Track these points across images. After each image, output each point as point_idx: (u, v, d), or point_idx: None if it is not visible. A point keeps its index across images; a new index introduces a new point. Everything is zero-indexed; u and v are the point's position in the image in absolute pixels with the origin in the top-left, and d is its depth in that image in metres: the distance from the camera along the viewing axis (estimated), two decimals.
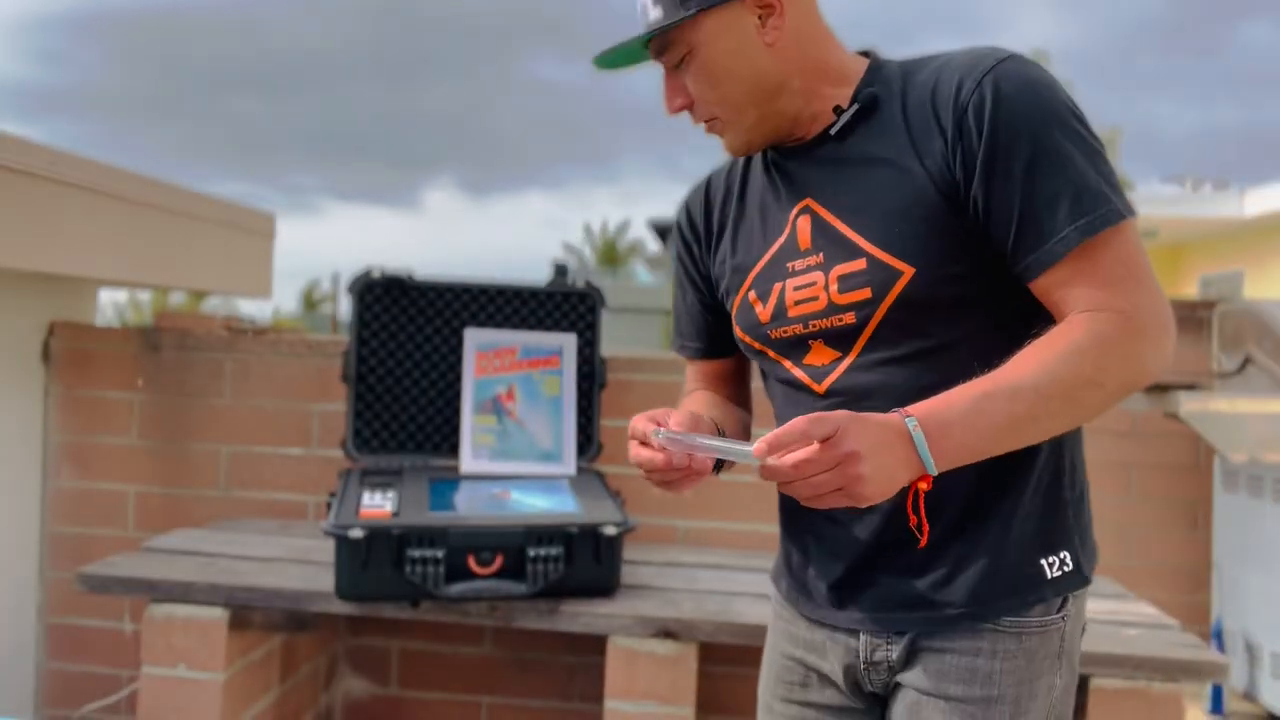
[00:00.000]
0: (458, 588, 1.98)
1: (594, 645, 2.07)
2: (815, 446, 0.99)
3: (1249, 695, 3.35)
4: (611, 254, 38.64)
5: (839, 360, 1.20)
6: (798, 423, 0.99)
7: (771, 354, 1.28)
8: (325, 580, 2.05)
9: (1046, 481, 1.19)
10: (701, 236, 1.40)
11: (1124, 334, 1.06)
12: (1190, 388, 3.02)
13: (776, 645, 1.38)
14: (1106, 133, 18.18)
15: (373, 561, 1.97)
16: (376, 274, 2.45)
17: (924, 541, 1.14)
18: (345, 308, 19.42)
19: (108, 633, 2.75)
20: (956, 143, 1.11)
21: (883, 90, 1.18)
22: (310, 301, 39.67)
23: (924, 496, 1.10)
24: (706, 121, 1.24)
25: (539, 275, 2.56)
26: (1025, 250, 1.09)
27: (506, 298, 2.50)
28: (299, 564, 2.21)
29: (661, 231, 34.58)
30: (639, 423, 1.15)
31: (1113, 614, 2.09)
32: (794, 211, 1.24)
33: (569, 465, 2.37)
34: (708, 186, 1.40)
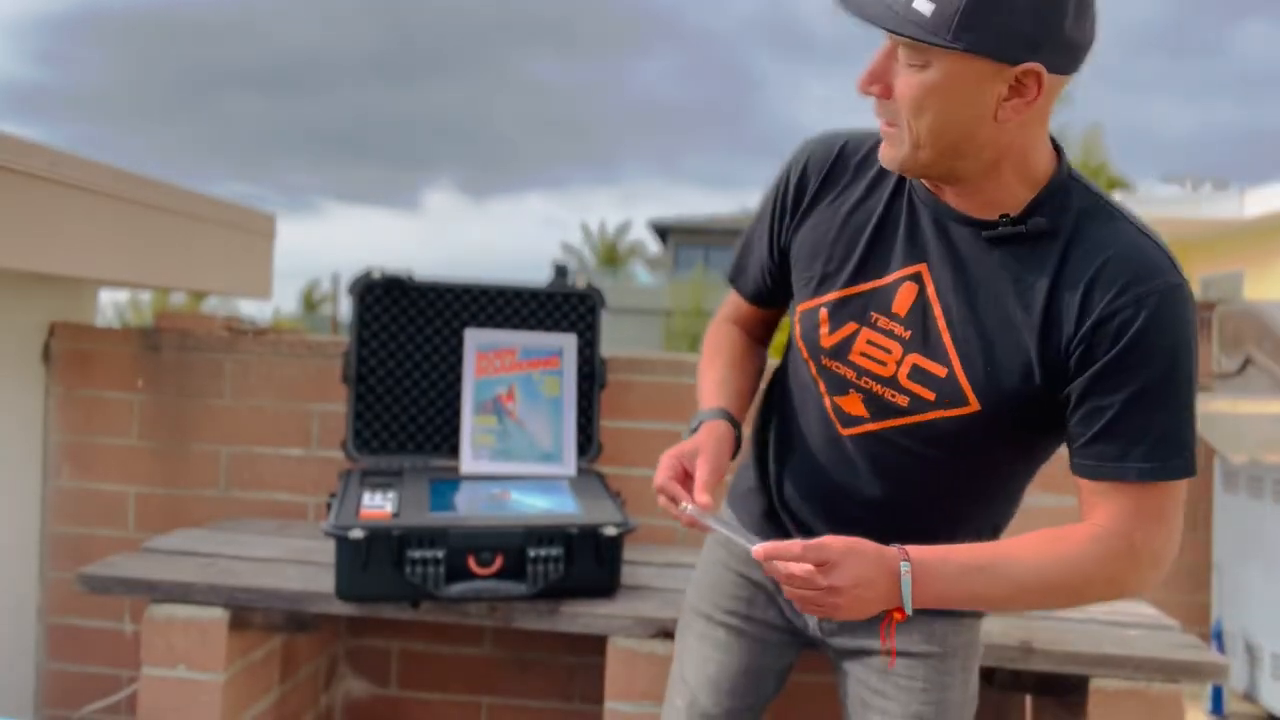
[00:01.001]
0: (458, 588, 1.98)
1: (594, 646, 2.07)
2: (809, 566, 1.08)
3: (1249, 696, 3.36)
4: (612, 255, 38.67)
5: (865, 420, 1.26)
6: (795, 545, 1.09)
7: (814, 371, 1.30)
8: (325, 581, 2.05)
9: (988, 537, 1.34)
10: (804, 202, 1.29)
11: (1124, 564, 1.15)
12: None
13: (727, 562, 1.49)
14: (1087, 131, 17.69)
15: (373, 562, 1.97)
16: (376, 275, 2.45)
17: (892, 664, 1.31)
18: (345, 308, 19.46)
19: (108, 633, 2.75)
20: (1086, 338, 1.11)
21: (1052, 223, 1.13)
22: (310, 302, 39.69)
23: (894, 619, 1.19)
24: (883, 119, 1.14)
25: (539, 276, 2.56)
26: (1088, 455, 1.15)
27: (506, 298, 2.50)
28: (299, 565, 2.21)
29: (662, 233, 34.60)
30: (667, 480, 1.25)
31: (1112, 614, 2.09)
32: (904, 270, 1.20)
33: (569, 466, 2.37)
34: (840, 152, 1.28)
